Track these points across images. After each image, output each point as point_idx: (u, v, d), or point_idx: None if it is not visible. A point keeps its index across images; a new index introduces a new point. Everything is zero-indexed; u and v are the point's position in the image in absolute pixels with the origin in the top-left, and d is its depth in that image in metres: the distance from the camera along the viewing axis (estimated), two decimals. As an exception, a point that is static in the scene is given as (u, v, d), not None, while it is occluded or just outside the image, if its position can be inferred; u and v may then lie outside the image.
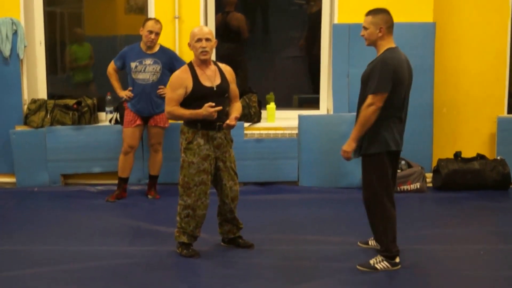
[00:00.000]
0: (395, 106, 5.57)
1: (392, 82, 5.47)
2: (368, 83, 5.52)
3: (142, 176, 8.29)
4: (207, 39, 5.85)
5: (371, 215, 5.73)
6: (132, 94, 7.70)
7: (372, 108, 5.46)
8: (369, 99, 5.47)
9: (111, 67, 7.86)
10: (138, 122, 7.76)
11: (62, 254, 6.11)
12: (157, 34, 7.64)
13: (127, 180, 7.94)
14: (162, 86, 7.68)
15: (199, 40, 5.83)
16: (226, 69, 6.11)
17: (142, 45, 7.70)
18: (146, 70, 7.64)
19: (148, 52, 7.68)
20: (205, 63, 5.92)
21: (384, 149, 5.58)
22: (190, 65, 5.94)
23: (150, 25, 7.62)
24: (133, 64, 7.67)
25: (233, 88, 6.10)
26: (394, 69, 5.49)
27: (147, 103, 7.70)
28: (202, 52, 5.83)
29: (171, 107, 5.84)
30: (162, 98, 7.70)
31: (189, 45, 5.93)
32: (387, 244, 5.66)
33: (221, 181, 6.01)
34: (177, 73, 5.95)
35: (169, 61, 7.69)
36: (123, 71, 7.86)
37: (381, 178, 5.63)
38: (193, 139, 5.84)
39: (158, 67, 7.65)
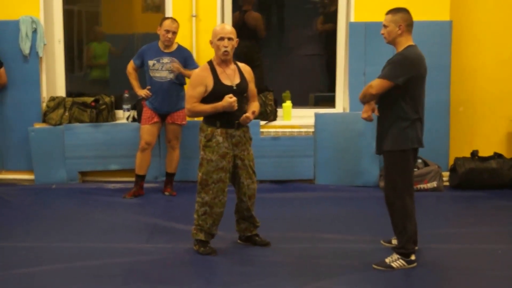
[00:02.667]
0: (417, 103, 5.60)
1: (412, 77, 5.49)
2: (382, 70, 5.58)
3: (158, 173, 8.32)
4: (229, 38, 5.87)
5: (392, 211, 5.74)
6: (150, 94, 7.74)
7: (370, 90, 5.60)
8: (373, 81, 5.57)
9: (130, 66, 7.91)
10: (156, 119, 7.80)
11: (79, 250, 6.14)
12: (174, 33, 7.68)
13: (144, 178, 7.98)
14: (175, 61, 7.70)
15: (222, 39, 5.84)
16: (246, 68, 6.13)
17: (160, 43, 7.75)
18: (163, 68, 7.68)
19: (166, 50, 7.72)
20: (225, 61, 5.94)
21: (407, 146, 5.60)
22: (210, 64, 5.96)
23: (167, 24, 7.67)
24: (151, 62, 7.72)
25: (252, 87, 6.13)
26: (415, 64, 5.53)
27: (165, 100, 7.74)
28: (224, 52, 5.85)
29: (191, 104, 5.87)
30: (179, 95, 7.74)
31: (211, 43, 5.94)
32: (405, 242, 5.67)
33: (239, 179, 6.03)
34: (197, 71, 5.99)
35: (184, 61, 7.73)
36: (142, 70, 7.90)
37: (403, 175, 5.65)
38: (212, 136, 5.86)
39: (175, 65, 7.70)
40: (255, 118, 7.93)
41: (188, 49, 7.97)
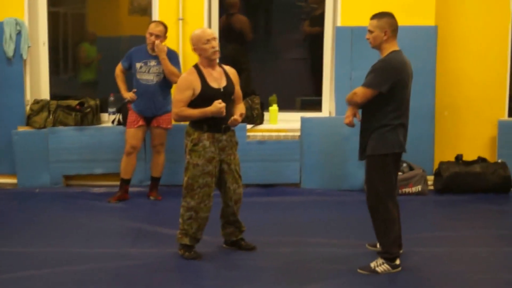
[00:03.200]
0: (400, 109, 5.60)
1: (395, 83, 5.50)
2: (366, 77, 5.58)
3: (144, 177, 8.29)
4: (214, 39, 5.88)
5: (374, 216, 5.75)
6: (136, 97, 7.72)
7: (354, 98, 5.66)
8: (357, 89, 5.60)
9: (119, 68, 7.90)
10: (141, 122, 7.78)
11: (63, 255, 6.10)
12: (158, 36, 7.65)
13: (129, 182, 7.95)
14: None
15: (208, 41, 5.84)
16: (231, 71, 6.13)
17: (148, 46, 7.74)
18: (150, 71, 7.67)
19: (154, 54, 7.71)
20: (212, 65, 5.93)
21: (389, 150, 5.61)
22: (197, 67, 5.94)
23: (151, 27, 7.70)
24: (138, 65, 7.71)
25: (237, 90, 6.13)
26: (397, 71, 5.53)
27: (151, 103, 7.72)
28: (214, 52, 5.85)
29: (179, 108, 5.85)
30: (165, 99, 7.73)
31: (195, 49, 5.92)
32: (388, 246, 5.68)
33: (225, 184, 6.02)
34: (184, 75, 5.96)
35: (169, 61, 7.72)
36: (130, 73, 7.88)
37: (385, 180, 5.66)
38: (199, 141, 5.85)
39: (162, 68, 7.67)
40: (241, 121, 7.97)
41: (176, 52, 7.96)
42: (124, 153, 7.84)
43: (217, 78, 5.93)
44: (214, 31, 5.68)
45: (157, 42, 7.61)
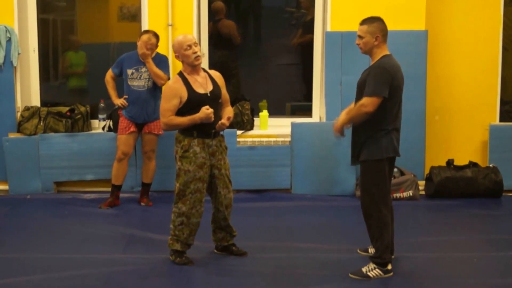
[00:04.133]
0: (393, 113, 5.61)
1: (390, 88, 5.50)
2: (365, 87, 5.55)
3: (135, 183, 8.27)
4: (195, 44, 5.87)
5: (368, 220, 5.75)
6: (127, 103, 7.72)
7: (364, 110, 5.51)
8: (364, 99, 5.51)
9: (109, 75, 7.89)
10: (132, 129, 7.77)
11: (54, 261, 6.09)
12: (150, 49, 7.67)
13: (120, 188, 7.94)
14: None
15: (189, 46, 5.83)
16: (216, 74, 6.12)
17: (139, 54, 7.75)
18: (141, 78, 7.67)
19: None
20: (196, 70, 5.92)
21: (383, 155, 5.61)
22: (181, 75, 5.93)
23: (143, 39, 7.67)
24: (129, 71, 7.71)
25: (224, 92, 6.11)
26: (392, 75, 5.53)
27: (142, 110, 7.72)
28: (196, 57, 5.84)
29: (167, 117, 5.84)
30: (156, 105, 7.73)
31: (177, 56, 5.91)
32: (382, 251, 5.67)
33: (216, 189, 6.02)
34: (169, 83, 5.94)
35: (158, 64, 7.72)
36: (120, 78, 7.87)
37: (379, 184, 5.66)
38: (189, 147, 5.84)
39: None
40: (232, 127, 7.98)
41: (165, 56, 7.96)
42: (115, 159, 7.83)
43: (202, 83, 5.92)
44: (195, 36, 5.66)
45: (145, 50, 7.62)
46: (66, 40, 9.29)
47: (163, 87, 5.95)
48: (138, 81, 7.70)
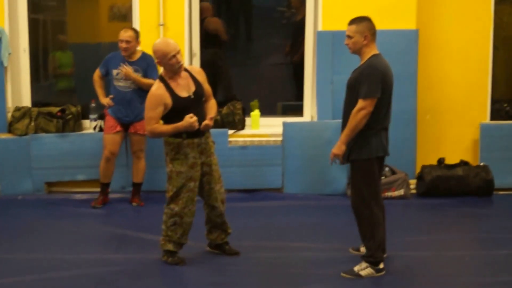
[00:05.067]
0: (382, 112, 5.62)
1: (381, 87, 5.52)
2: (358, 88, 5.55)
3: (126, 183, 8.26)
4: (178, 52, 5.78)
5: (359, 220, 5.76)
6: (113, 103, 7.71)
7: (363, 112, 5.50)
8: (360, 103, 5.51)
9: (97, 74, 7.89)
10: (118, 128, 7.76)
11: (46, 262, 6.08)
12: (128, 42, 7.63)
13: (109, 185, 7.97)
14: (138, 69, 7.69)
15: (174, 56, 5.74)
16: (195, 70, 6.10)
17: (122, 53, 7.73)
18: (126, 78, 7.65)
19: (130, 59, 7.70)
20: (177, 73, 5.89)
21: (372, 154, 5.62)
22: (162, 80, 5.85)
23: (120, 34, 7.68)
24: (115, 71, 7.71)
25: (207, 87, 6.06)
26: (382, 74, 5.54)
27: (128, 109, 7.71)
28: (179, 67, 5.79)
29: (152, 125, 5.79)
30: (142, 105, 7.70)
31: (159, 63, 5.83)
32: (374, 250, 5.68)
33: (209, 185, 6.01)
34: (153, 91, 5.81)
35: (146, 68, 7.72)
36: (107, 78, 7.87)
37: (370, 184, 5.67)
38: (180, 148, 5.83)
39: (139, 75, 7.66)
40: (223, 126, 7.99)
41: (151, 56, 7.94)
42: (103, 159, 7.84)
43: (184, 85, 5.87)
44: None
45: (124, 70, 7.59)
46: (57, 40, 9.28)
47: (148, 95, 5.86)
48: (123, 81, 7.69)
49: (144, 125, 7.56)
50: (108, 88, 7.90)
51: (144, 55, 7.79)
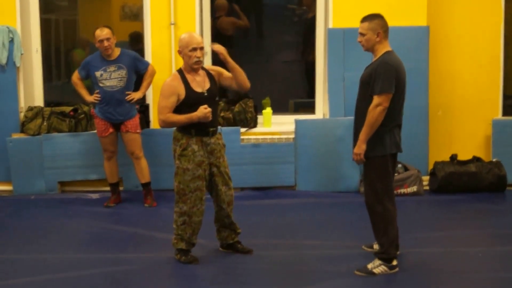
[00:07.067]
0: (396, 109, 5.62)
1: (395, 83, 5.52)
2: (372, 85, 5.55)
3: (138, 182, 8.26)
4: (201, 48, 5.87)
5: (373, 216, 5.76)
6: (99, 96, 7.69)
7: (379, 108, 5.50)
8: (376, 99, 5.51)
9: (76, 76, 7.87)
10: (111, 130, 7.78)
11: (59, 262, 6.10)
12: (108, 39, 7.61)
13: (118, 184, 8.02)
14: (129, 92, 7.73)
15: (194, 49, 5.83)
16: (212, 68, 6.15)
17: (102, 53, 7.72)
18: (112, 77, 7.66)
19: (110, 58, 7.70)
20: (195, 70, 5.93)
21: (387, 151, 5.63)
22: (181, 72, 5.93)
23: (97, 34, 7.63)
24: (98, 73, 7.70)
25: (225, 74, 6.08)
26: (396, 71, 5.55)
27: (117, 109, 7.71)
28: (196, 62, 5.84)
29: (165, 115, 5.83)
30: (131, 103, 7.73)
31: (180, 52, 5.91)
32: (387, 247, 5.68)
33: (216, 187, 6.02)
34: (168, 81, 5.91)
35: (133, 63, 7.73)
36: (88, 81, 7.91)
37: (383, 180, 5.67)
38: (188, 145, 5.84)
39: (123, 72, 7.68)
40: (235, 124, 7.98)
41: (132, 51, 7.96)
42: (105, 159, 7.89)
43: (200, 82, 5.92)
44: (202, 39, 5.66)
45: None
46: (69, 40, 9.33)
47: (162, 84, 5.90)
48: (109, 81, 7.67)
49: (134, 123, 7.63)
50: (91, 92, 7.88)
51: (124, 52, 7.80)
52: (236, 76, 5.97)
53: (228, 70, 6.04)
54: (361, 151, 5.64)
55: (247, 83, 6.02)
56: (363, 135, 5.60)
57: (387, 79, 5.51)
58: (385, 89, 5.50)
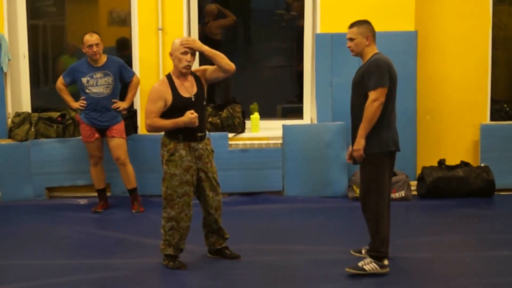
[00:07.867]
0: (390, 106, 5.67)
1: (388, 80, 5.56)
2: (366, 82, 5.60)
3: (126, 188, 8.24)
4: (193, 54, 5.87)
5: (366, 214, 5.79)
6: (85, 102, 7.68)
7: (376, 103, 5.55)
8: (372, 95, 5.56)
9: (60, 82, 7.84)
10: (96, 135, 7.77)
11: (47, 268, 6.06)
12: (98, 44, 7.62)
13: (105, 190, 8.00)
14: (116, 100, 7.73)
15: (185, 53, 5.84)
16: (197, 69, 6.12)
17: (89, 60, 7.71)
18: (98, 84, 7.66)
19: (97, 65, 7.69)
20: (184, 74, 5.92)
21: (383, 149, 5.66)
22: (169, 77, 5.93)
23: (86, 39, 7.62)
24: (84, 80, 7.68)
25: (210, 68, 6.04)
26: (388, 67, 5.61)
27: (103, 115, 7.70)
28: (185, 66, 5.84)
29: (152, 119, 5.83)
30: (116, 109, 7.72)
31: (171, 55, 5.92)
32: (378, 244, 5.70)
33: (204, 192, 6.01)
34: (156, 86, 5.91)
35: (119, 70, 7.74)
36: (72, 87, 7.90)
37: (377, 178, 5.70)
38: (175, 150, 5.83)
39: (110, 79, 7.69)
40: (223, 130, 7.97)
41: (118, 58, 7.95)
42: (91, 165, 7.88)
43: (188, 87, 5.91)
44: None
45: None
46: (57, 45, 9.29)
47: (150, 89, 5.90)
48: (96, 87, 7.67)
49: (120, 129, 7.63)
50: (77, 98, 7.85)
51: (111, 58, 7.80)
52: (218, 62, 5.94)
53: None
54: (360, 146, 5.68)
55: (231, 65, 5.97)
56: (361, 130, 5.64)
57: (381, 74, 5.57)
58: (379, 83, 5.55)
